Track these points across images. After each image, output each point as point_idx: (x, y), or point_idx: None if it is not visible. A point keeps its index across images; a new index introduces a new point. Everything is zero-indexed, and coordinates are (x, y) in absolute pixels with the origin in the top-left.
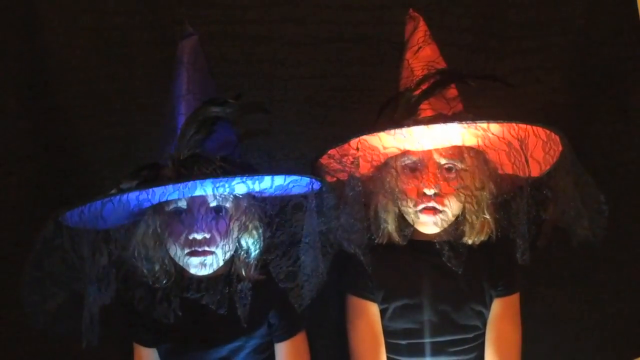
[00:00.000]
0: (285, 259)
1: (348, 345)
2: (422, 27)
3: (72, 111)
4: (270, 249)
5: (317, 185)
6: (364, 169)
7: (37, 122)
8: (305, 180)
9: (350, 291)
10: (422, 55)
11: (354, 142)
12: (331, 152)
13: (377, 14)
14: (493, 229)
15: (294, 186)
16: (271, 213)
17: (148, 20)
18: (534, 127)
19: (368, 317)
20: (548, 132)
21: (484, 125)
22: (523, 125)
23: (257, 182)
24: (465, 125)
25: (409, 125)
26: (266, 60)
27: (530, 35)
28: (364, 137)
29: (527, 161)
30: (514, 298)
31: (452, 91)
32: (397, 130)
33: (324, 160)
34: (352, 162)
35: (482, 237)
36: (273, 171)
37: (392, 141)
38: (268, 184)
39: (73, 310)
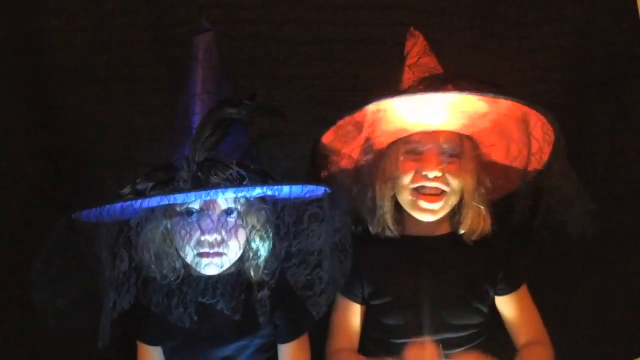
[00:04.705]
0: (303, 267)
1: None
2: (422, 41)
3: (72, 111)
4: (288, 257)
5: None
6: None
7: (37, 122)
8: (321, 189)
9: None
10: (422, 63)
11: (370, 107)
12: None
13: (377, 14)
14: (489, 222)
15: (310, 195)
16: (288, 222)
17: (148, 20)
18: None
19: (345, 314)
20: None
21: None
22: (526, 108)
23: (276, 191)
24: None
25: (425, 92)
26: (266, 60)
27: (530, 35)
28: (384, 100)
29: (528, 137)
30: (522, 290)
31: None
32: (413, 97)
33: (327, 138)
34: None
35: (478, 232)
36: (291, 181)
37: (399, 118)
38: (286, 191)
39: (84, 305)
